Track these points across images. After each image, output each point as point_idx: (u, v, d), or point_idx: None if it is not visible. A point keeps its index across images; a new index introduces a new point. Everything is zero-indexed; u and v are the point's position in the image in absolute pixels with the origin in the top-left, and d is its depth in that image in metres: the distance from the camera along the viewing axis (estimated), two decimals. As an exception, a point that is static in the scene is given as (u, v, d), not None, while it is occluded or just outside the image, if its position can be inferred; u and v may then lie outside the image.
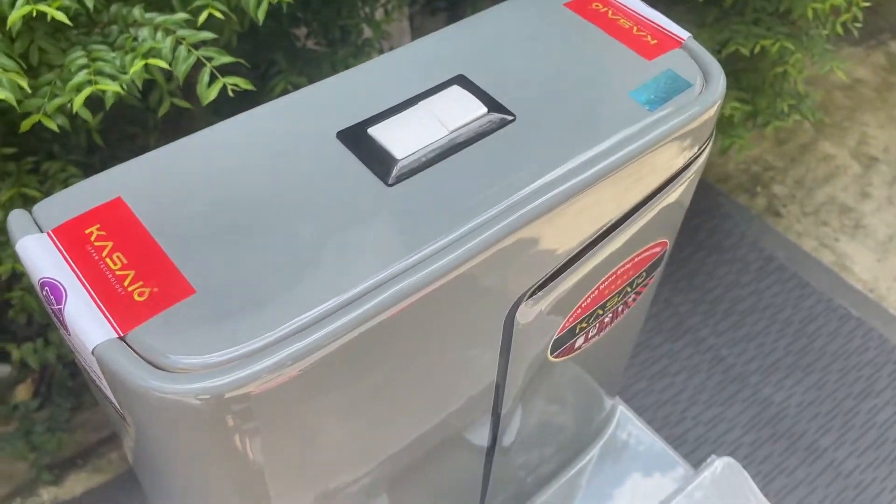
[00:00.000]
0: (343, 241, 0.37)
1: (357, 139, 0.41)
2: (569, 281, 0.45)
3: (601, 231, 0.45)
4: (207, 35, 0.70)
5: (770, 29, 1.06)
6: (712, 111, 0.46)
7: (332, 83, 0.45)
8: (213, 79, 0.69)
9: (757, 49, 1.04)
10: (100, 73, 0.69)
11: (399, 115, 0.42)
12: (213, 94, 0.69)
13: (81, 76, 0.67)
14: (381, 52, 1.18)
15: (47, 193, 0.86)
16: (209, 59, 0.69)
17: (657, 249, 0.52)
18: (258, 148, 0.41)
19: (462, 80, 0.44)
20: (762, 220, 1.72)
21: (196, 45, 0.69)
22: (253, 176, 0.40)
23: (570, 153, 0.42)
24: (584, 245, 0.45)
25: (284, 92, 1.00)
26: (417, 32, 1.58)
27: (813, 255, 1.66)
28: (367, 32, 1.10)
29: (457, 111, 0.42)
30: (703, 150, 0.49)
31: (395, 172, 0.40)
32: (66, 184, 0.88)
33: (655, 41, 0.48)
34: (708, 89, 0.46)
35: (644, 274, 0.52)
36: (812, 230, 1.77)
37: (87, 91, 0.66)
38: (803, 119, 1.24)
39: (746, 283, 1.54)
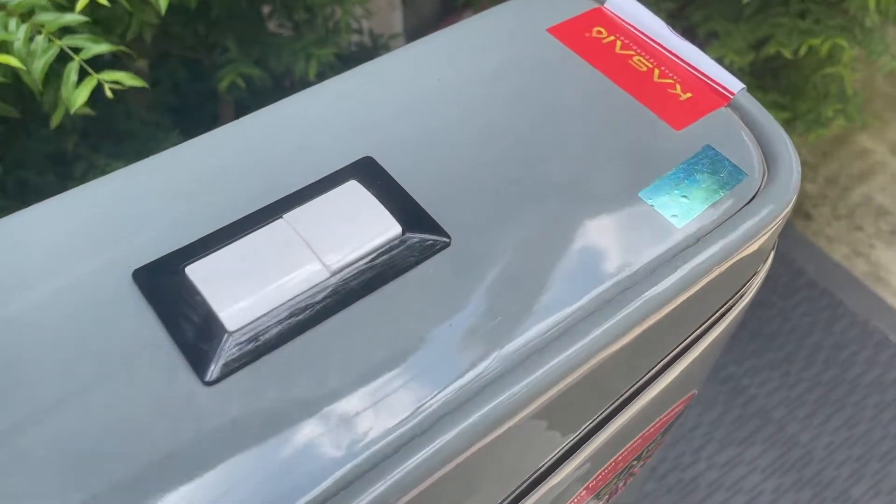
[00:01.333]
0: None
1: (164, 285, 0.24)
2: (543, 489, 0.28)
3: (597, 419, 0.28)
4: (75, 18, 0.52)
5: (819, 22, 0.87)
6: (781, 217, 0.28)
7: (156, 165, 0.27)
8: (84, 76, 0.52)
9: (803, 50, 0.85)
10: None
11: (245, 239, 0.24)
12: (82, 96, 0.52)
13: None
14: (361, 33, 1.00)
15: None
16: (77, 49, 0.52)
17: (680, 408, 0.34)
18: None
19: (367, 169, 0.27)
20: (790, 224, 1.53)
21: (61, 33, 0.52)
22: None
23: (541, 309, 0.24)
24: (567, 445, 0.27)
25: (233, 87, 0.82)
26: (409, 8, 1.39)
27: (845, 267, 1.48)
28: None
29: (349, 234, 0.25)
30: (763, 267, 0.31)
31: (221, 358, 0.22)
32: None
33: (688, 95, 0.30)
34: (774, 181, 0.28)
35: (659, 437, 0.35)
36: (844, 235, 1.59)
37: None
38: (849, 122, 1.05)
39: (772, 302, 1.36)
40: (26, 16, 0.51)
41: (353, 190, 0.26)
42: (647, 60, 0.31)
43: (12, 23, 0.51)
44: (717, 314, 0.29)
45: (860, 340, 1.33)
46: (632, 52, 0.32)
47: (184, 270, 0.24)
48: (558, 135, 0.29)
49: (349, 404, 0.22)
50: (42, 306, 0.23)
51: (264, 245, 0.24)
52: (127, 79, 0.52)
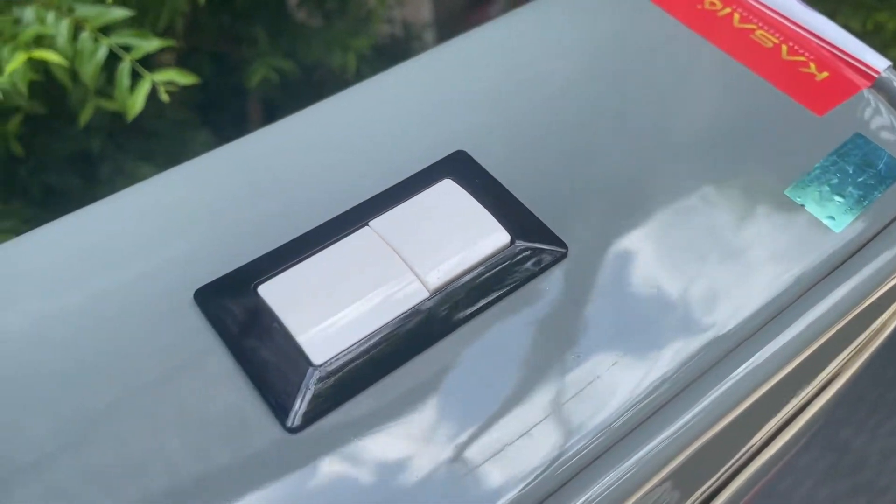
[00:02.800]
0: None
1: (232, 308, 0.20)
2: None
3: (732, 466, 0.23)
4: (121, 13, 0.48)
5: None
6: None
7: (208, 166, 0.23)
8: (138, 76, 0.49)
9: (870, 25, 0.79)
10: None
11: (325, 251, 0.20)
12: (139, 101, 0.48)
13: (-72, 80, 0.47)
14: (391, 23, 0.96)
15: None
16: (127, 48, 0.48)
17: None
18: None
19: (461, 166, 0.23)
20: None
21: (106, 30, 0.48)
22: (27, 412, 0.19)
23: (680, 337, 0.20)
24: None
25: (265, 82, 0.78)
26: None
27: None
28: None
29: (449, 243, 0.21)
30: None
31: (306, 398, 0.18)
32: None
33: (825, 74, 0.26)
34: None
35: None
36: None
37: (-69, 106, 0.46)
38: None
39: (821, 300, 1.30)
40: (67, 9, 0.47)
41: (449, 190, 0.22)
42: (772, 35, 0.27)
43: (50, 16, 0.47)
44: (865, 339, 0.25)
45: (915, 339, 1.27)
46: (753, 26, 0.27)
47: (256, 290, 0.20)
48: (679, 121, 0.24)
49: (458, 454, 0.18)
50: (87, 336, 0.19)
51: (349, 258, 0.20)
52: (180, 77, 0.48)
